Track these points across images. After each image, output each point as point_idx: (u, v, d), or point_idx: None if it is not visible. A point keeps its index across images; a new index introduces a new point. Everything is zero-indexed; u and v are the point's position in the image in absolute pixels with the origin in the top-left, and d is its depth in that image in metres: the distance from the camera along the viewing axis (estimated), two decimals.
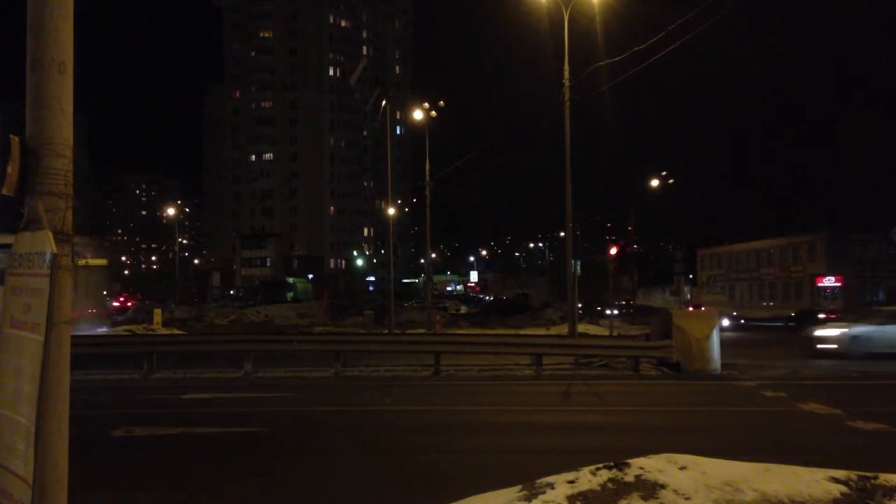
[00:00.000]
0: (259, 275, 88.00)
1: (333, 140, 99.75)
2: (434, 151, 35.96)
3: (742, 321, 45.90)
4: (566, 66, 20.91)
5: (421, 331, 28.67)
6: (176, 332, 28.66)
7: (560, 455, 7.80)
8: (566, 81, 20.84)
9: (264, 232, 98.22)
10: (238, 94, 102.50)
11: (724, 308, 54.32)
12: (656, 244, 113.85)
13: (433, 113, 35.94)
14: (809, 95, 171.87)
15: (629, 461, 4.48)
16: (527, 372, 16.50)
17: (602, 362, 17.77)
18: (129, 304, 60.25)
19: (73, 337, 2.53)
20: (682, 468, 4.34)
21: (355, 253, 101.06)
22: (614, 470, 4.38)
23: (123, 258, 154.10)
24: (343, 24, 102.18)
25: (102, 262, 26.34)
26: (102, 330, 23.74)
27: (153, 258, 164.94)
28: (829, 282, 60.98)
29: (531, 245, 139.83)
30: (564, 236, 24.57)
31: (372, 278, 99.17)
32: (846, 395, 13.05)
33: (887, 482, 4.12)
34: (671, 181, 49.44)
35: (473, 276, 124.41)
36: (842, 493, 4.02)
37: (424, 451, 8.46)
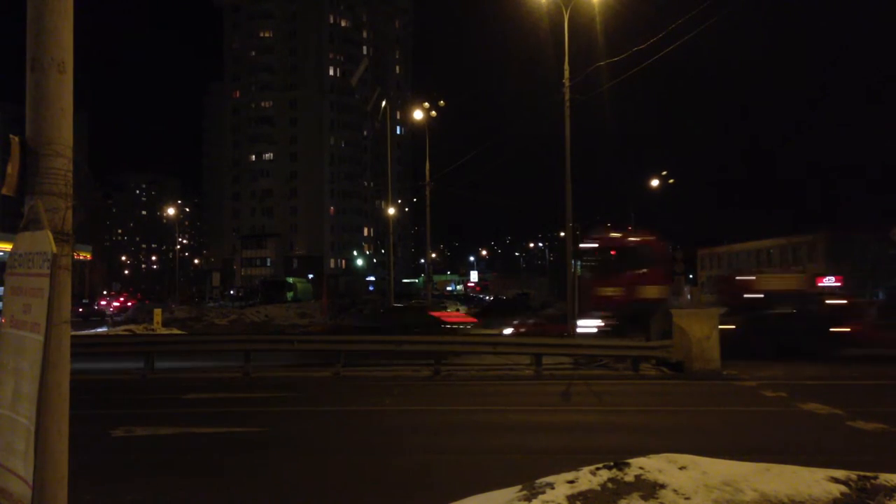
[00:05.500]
0: (259, 275, 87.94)
1: (333, 140, 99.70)
2: (434, 151, 35.99)
3: None
4: (566, 67, 20.91)
5: None
6: (176, 332, 28.58)
7: (560, 455, 7.80)
8: (566, 81, 20.84)
9: (264, 232, 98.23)
10: (238, 94, 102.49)
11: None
12: None
13: (433, 113, 35.97)
14: (810, 95, 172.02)
15: (629, 461, 4.48)
16: (527, 372, 16.50)
17: (602, 362, 17.76)
18: (129, 304, 60.32)
19: (72, 336, 2.53)
20: (682, 468, 4.34)
21: (355, 253, 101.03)
22: (614, 470, 4.38)
23: (123, 258, 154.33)
24: (343, 24, 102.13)
25: None
26: (102, 329, 23.75)
27: (153, 258, 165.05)
28: (829, 282, 60.93)
29: (531, 245, 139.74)
30: (564, 236, 24.54)
31: (372, 278, 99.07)
32: (846, 394, 13.05)
33: (887, 482, 4.12)
34: (671, 181, 49.36)
35: (473, 276, 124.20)
36: (842, 493, 4.02)
37: (424, 450, 8.46)
